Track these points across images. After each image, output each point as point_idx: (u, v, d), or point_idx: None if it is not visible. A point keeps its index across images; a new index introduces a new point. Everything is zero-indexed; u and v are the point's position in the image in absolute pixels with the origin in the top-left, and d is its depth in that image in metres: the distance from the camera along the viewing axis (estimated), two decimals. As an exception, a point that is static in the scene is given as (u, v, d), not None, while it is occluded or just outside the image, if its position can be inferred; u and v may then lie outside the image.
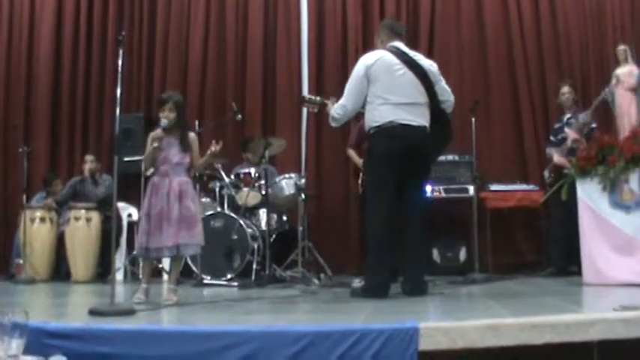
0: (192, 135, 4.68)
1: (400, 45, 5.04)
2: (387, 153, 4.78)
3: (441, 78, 5.07)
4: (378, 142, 4.84)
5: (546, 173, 6.99)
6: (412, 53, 5.05)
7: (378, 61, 4.88)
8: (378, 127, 4.82)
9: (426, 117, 4.92)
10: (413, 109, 4.83)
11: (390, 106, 4.80)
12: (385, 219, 4.74)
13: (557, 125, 7.06)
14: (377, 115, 4.83)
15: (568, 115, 6.93)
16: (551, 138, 7.07)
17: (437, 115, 4.99)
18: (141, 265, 4.86)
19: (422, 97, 4.90)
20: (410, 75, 4.88)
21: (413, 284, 4.82)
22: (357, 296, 4.69)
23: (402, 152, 4.75)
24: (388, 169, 4.77)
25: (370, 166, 5.03)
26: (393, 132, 4.76)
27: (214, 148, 4.59)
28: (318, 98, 5.66)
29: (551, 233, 6.89)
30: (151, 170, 4.56)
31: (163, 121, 4.44)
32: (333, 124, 5.15)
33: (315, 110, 5.81)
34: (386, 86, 4.83)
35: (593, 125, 6.74)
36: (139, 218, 4.35)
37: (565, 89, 7.01)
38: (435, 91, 4.97)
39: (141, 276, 4.76)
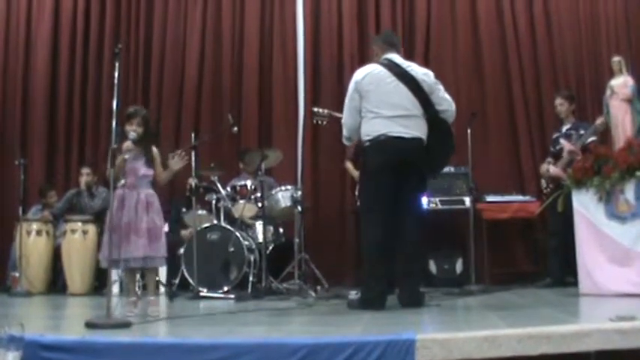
0: (154, 150, 4.76)
1: (394, 57, 5.04)
2: (379, 166, 4.79)
3: (439, 87, 5.02)
4: (371, 155, 4.88)
5: (544, 183, 6.99)
6: (406, 64, 5.04)
7: (367, 76, 4.91)
8: (371, 140, 4.85)
9: (422, 128, 4.91)
10: (406, 121, 4.83)
11: (381, 119, 4.82)
12: (381, 232, 4.74)
13: (555, 135, 7.07)
14: (369, 129, 4.86)
15: (567, 126, 6.94)
16: (551, 149, 7.09)
17: (437, 126, 4.96)
18: (125, 278, 4.86)
19: (416, 108, 4.89)
20: (402, 87, 4.88)
21: (409, 296, 4.81)
22: (355, 308, 4.70)
23: (395, 165, 4.76)
24: (382, 182, 4.78)
25: (364, 179, 5.06)
26: (385, 145, 4.78)
27: (176, 165, 4.74)
28: (326, 111, 5.84)
29: (548, 244, 6.88)
30: (122, 182, 4.59)
31: (132, 134, 4.53)
32: (347, 143, 5.30)
33: (325, 123, 5.95)
34: (377, 100, 4.85)
35: (593, 138, 6.72)
36: (106, 230, 4.35)
37: (557, 101, 7.03)
38: (432, 102, 4.95)
39: (129, 290, 4.76)
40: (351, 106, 4.94)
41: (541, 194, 7.07)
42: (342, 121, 5.06)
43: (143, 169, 4.60)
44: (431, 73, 5.08)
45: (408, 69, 4.99)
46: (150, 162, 4.64)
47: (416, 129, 4.87)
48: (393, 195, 4.79)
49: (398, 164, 4.76)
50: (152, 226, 4.52)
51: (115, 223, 4.42)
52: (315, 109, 6.06)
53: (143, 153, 4.61)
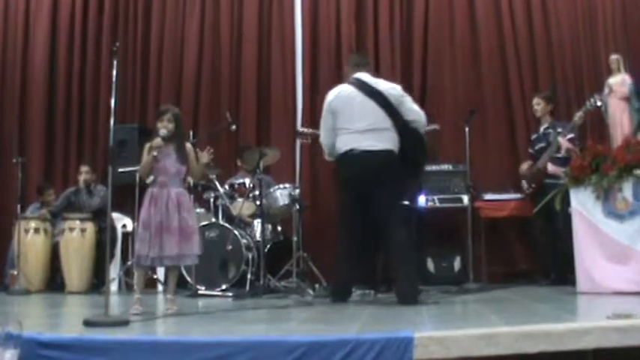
0: (188, 146, 4.78)
1: (362, 75, 5.32)
2: (346, 177, 5.23)
3: (406, 99, 5.26)
4: (340, 167, 5.29)
5: (525, 184, 6.99)
6: (374, 81, 5.31)
7: (336, 97, 5.27)
8: (341, 154, 5.19)
9: (391, 140, 5.15)
10: (376, 134, 5.10)
11: (352, 134, 5.14)
12: (345, 233, 5.28)
13: (533, 136, 7.10)
14: (340, 144, 5.21)
15: (545, 126, 6.95)
16: (530, 150, 7.09)
17: (407, 135, 5.20)
18: (135, 275, 4.87)
19: (385, 121, 5.14)
20: (371, 103, 5.15)
21: (407, 294, 4.86)
22: (327, 297, 5.51)
23: (361, 177, 5.07)
24: (349, 191, 5.24)
25: (337, 187, 5.62)
26: (352, 159, 5.12)
27: (204, 159, 4.90)
28: (310, 130, 6.36)
29: (550, 244, 6.83)
30: (151, 178, 4.62)
31: (162, 131, 4.55)
32: (329, 159, 5.56)
33: (308, 142, 6.35)
34: (346, 117, 5.17)
35: (572, 135, 6.69)
36: (137, 228, 4.36)
37: (534, 101, 7.07)
38: (400, 113, 5.18)
39: (135, 286, 4.77)
40: (326, 126, 5.32)
41: (534, 195, 7.00)
42: (320, 140, 5.43)
43: (174, 167, 4.62)
44: (398, 87, 5.34)
45: (376, 85, 5.26)
46: (182, 159, 4.65)
47: (386, 141, 5.13)
48: (364, 205, 5.11)
49: (364, 176, 5.05)
50: (184, 225, 4.54)
51: (147, 222, 4.49)
52: (300, 130, 6.49)
53: (175, 150, 4.62)
